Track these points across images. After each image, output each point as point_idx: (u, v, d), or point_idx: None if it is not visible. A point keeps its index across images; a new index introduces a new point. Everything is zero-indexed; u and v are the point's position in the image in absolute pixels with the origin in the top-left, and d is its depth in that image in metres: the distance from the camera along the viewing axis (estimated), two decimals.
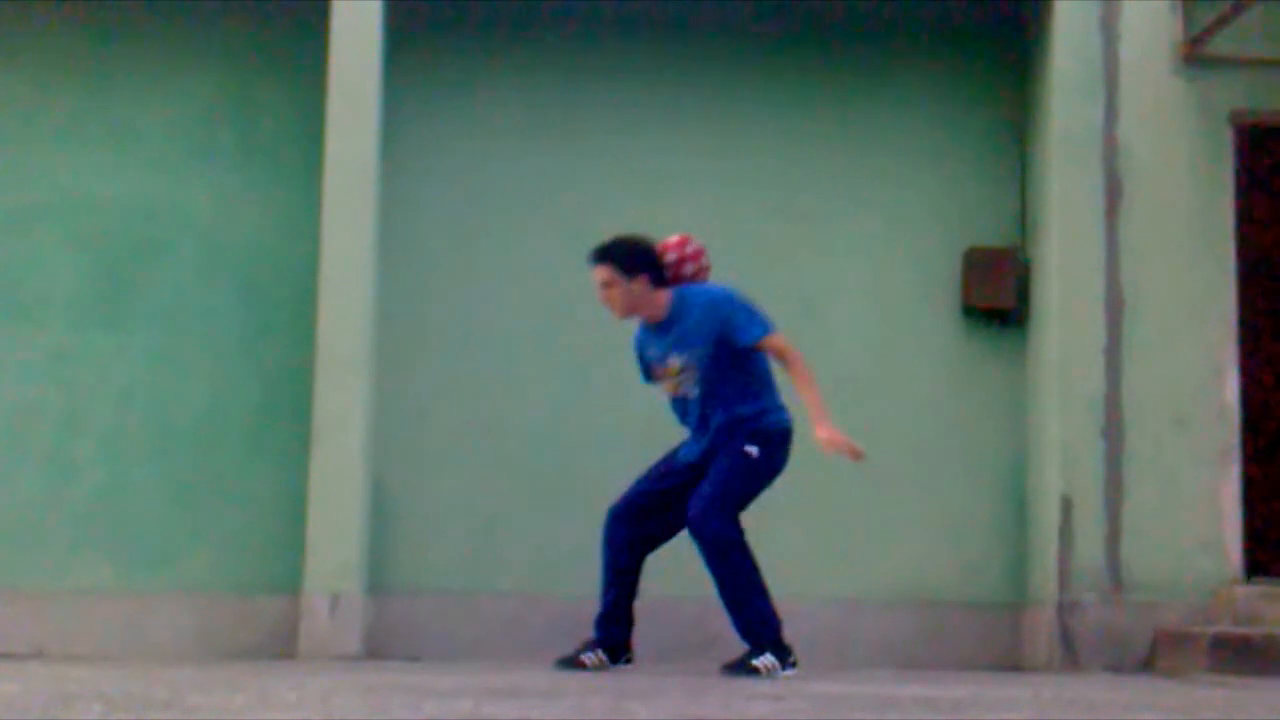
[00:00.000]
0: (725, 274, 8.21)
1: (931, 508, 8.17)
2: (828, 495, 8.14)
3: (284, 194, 8.19)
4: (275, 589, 7.79)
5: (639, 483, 6.53)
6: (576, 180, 8.35)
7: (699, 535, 6.18)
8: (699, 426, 6.40)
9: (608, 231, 8.26)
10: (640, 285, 6.33)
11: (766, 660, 6.13)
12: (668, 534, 6.49)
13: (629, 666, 6.52)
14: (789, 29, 8.43)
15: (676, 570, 7.36)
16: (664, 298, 6.35)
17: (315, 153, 7.87)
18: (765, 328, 6.28)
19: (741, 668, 6.15)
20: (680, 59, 8.43)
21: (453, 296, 8.25)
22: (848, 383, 8.24)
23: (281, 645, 7.65)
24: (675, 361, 6.33)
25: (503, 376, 8.19)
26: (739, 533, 6.21)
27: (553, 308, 8.24)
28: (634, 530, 6.43)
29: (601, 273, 6.35)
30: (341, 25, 7.80)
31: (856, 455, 6.30)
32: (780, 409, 6.39)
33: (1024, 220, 8.31)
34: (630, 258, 6.33)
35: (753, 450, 6.27)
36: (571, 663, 6.46)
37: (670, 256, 6.42)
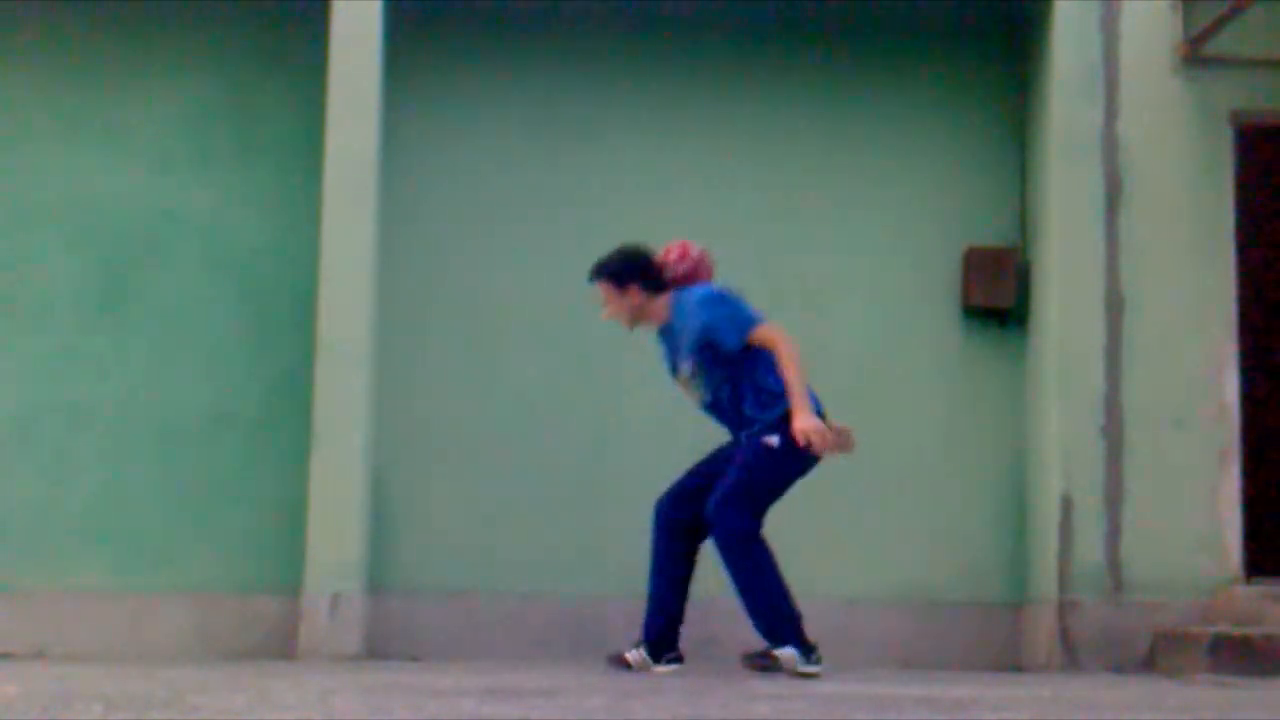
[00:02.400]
0: (726, 273, 8.23)
1: (931, 507, 8.16)
2: (828, 495, 8.13)
3: (284, 194, 8.18)
4: (275, 589, 7.79)
5: (686, 474, 6.41)
6: (577, 180, 8.35)
7: (712, 528, 6.12)
8: (731, 423, 6.31)
9: (607, 231, 8.28)
10: (635, 295, 6.33)
11: (786, 652, 6.04)
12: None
13: (676, 666, 6.33)
14: (789, 29, 8.42)
15: None
16: (664, 303, 6.33)
17: (315, 153, 7.86)
18: (742, 331, 6.15)
19: (762, 658, 6.11)
20: (680, 58, 8.42)
21: (453, 296, 8.25)
22: (848, 382, 8.23)
23: (281, 645, 7.65)
24: (685, 368, 6.31)
25: (503, 376, 8.19)
26: (754, 526, 6.12)
27: (554, 307, 8.24)
28: (679, 514, 6.30)
29: (600, 290, 6.39)
30: (341, 25, 7.79)
31: (840, 444, 6.15)
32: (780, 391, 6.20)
33: (1024, 220, 8.31)
34: (620, 270, 6.34)
35: (773, 440, 6.14)
36: (617, 660, 6.37)
37: (680, 268, 6.36)
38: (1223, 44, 7.81)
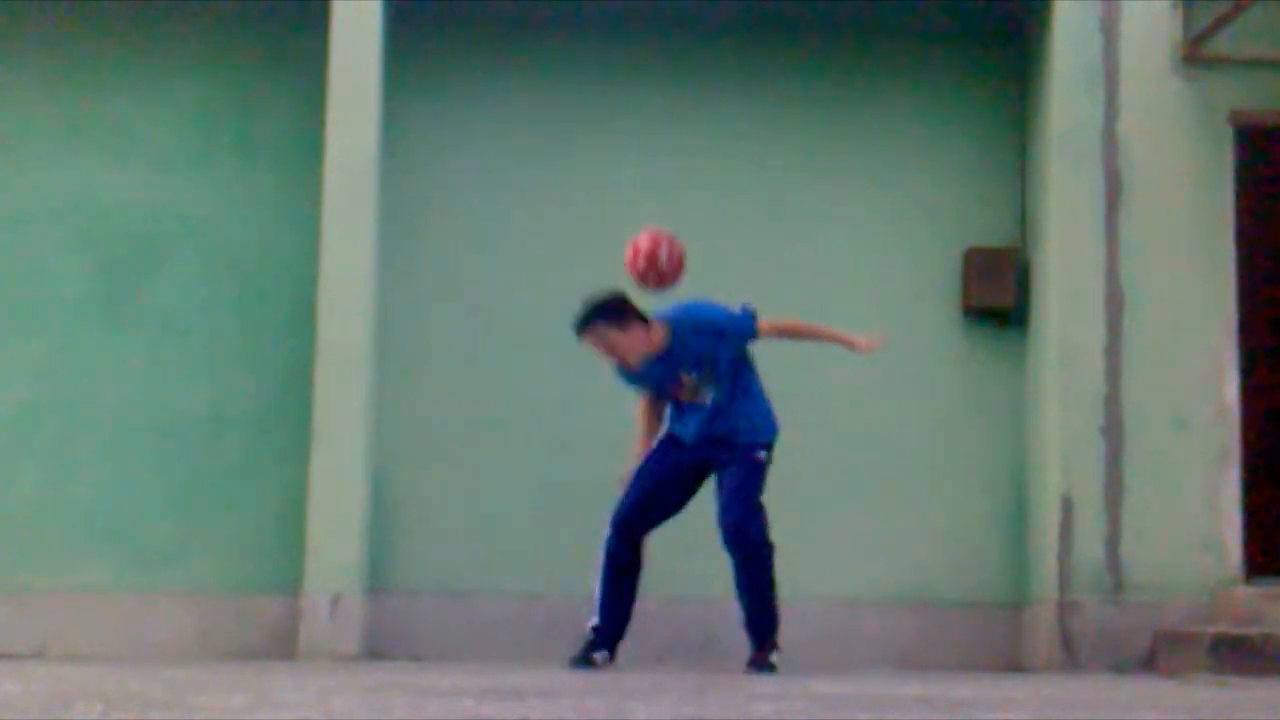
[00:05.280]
0: (727, 274, 8.24)
1: (931, 508, 8.16)
2: (828, 495, 8.14)
3: (284, 194, 8.19)
4: (275, 589, 7.79)
5: (637, 493, 6.60)
6: (576, 179, 8.35)
7: (741, 542, 6.37)
8: (712, 417, 6.52)
9: (606, 230, 8.30)
10: (637, 328, 6.41)
11: (776, 657, 6.41)
12: (663, 520, 6.65)
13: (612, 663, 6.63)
14: (789, 30, 8.42)
15: (677, 571, 7.37)
16: (659, 329, 6.45)
17: (316, 153, 7.87)
18: (746, 333, 6.50)
19: (765, 666, 6.36)
20: (681, 58, 8.43)
21: (453, 296, 8.25)
22: (848, 382, 8.24)
23: (281, 645, 7.65)
24: (690, 379, 6.50)
25: (503, 377, 8.19)
26: (770, 534, 6.45)
27: (553, 307, 8.22)
28: (637, 539, 6.59)
29: (596, 337, 6.41)
30: (341, 25, 7.80)
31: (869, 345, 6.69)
32: (772, 409, 6.62)
33: (1024, 220, 8.31)
34: (615, 313, 6.39)
35: (762, 455, 6.51)
36: (585, 661, 6.49)
37: (655, 267, 6.43)
38: (1223, 44, 7.81)
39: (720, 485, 6.52)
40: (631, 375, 6.59)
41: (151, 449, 8.03)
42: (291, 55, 8.24)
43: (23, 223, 8.18)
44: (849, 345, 6.70)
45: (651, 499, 6.59)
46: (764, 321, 6.50)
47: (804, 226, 8.36)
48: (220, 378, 8.09)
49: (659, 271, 6.39)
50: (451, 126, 8.35)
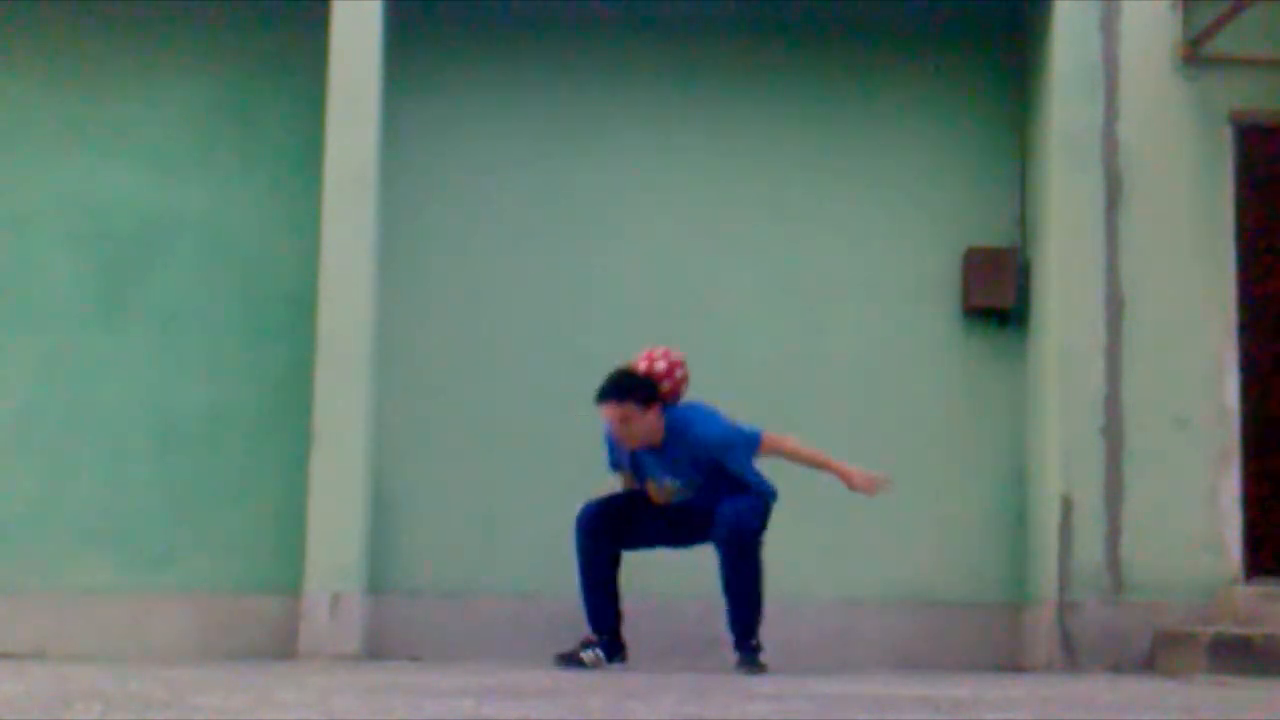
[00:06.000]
0: (728, 275, 8.23)
1: (931, 507, 8.16)
2: (828, 495, 8.13)
3: (284, 194, 8.18)
4: (275, 589, 7.79)
5: (613, 495, 6.75)
6: (576, 180, 8.35)
7: (737, 535, 6.38)
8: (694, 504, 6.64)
9: (607, 231, 8.32)
10: (654, 414, 6.48)
11: (763, 656, 6.50)
12: (636, 545, 6.72)
13: (622, 665, 6.63)
14: (788, 30, 8.42)
15: (677, 571, 7.36)
16: (661, 423, 6.52)
17: (315, 153, 7.86)
18: (752, 448, 6.50)
19: (756, 665, 6.45)
20: (680, 59, 8.43)
21: (453, 297, 8.25)
22: (848, 383, 8.24)
23: (281, 645, 7.65)
24: (670, 484, 6.60)
25: (503, 377, 8.19)
26: (762, 534, 6.54)
27: (553, 307, 8.24)
28: (609, 529, 6.63)
29: (621, 410, 6.45)
30: (341, 25, 7.79)
31: (884, 485, 6.70)
32: (764, 479, 6.67)
33: (1024, 220, 8.31)
34: (644, 391, 6.47)
35: (767, 496, 6.62)
36: (571, 659, 6.53)
37: (677, 384, 6.60)
38: (1223, 44, 7.81)
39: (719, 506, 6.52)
40: (619, 450, 6.68)
41: (150, 449, 8.03)
42: (291, 56, 8.23)
43: (22, 222, 8.18)
44: (846, 480, 6.65)
45: (626, 502, 6.69)
46: (767, 440, 6.52)
47: (804, 227, 8.36)
48: (220, 378, 8.09)
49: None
50: (451, 127, 8.35)
